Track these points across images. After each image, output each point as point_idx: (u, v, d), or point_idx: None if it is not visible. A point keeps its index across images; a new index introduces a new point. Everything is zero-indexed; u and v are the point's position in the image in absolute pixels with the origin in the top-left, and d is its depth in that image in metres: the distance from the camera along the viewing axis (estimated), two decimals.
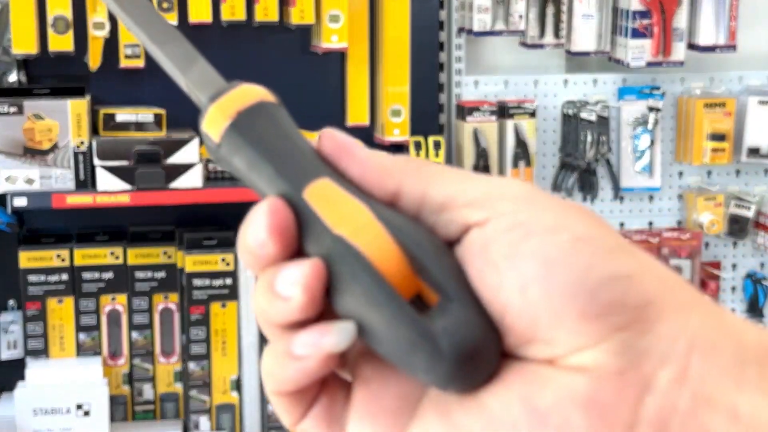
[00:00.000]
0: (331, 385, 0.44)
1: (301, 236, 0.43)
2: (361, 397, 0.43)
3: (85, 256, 2.63)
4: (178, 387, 2.69)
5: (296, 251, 0.43)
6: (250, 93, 0.46)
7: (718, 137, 2.88)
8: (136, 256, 2.65)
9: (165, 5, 2.52)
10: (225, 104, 0.45)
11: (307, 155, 0.45)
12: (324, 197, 0.43)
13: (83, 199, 2.48)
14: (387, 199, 0.43)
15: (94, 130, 2.57)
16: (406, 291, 0.41)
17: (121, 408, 2.68)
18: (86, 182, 2.51)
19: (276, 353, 0.42)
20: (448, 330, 0.40)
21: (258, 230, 0.43)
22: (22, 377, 2.62)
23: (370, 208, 0.42)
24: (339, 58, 2.76)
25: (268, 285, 0.42)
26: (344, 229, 0.42)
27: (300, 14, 2.59)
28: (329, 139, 0.45)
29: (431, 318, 0.40)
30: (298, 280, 0.41)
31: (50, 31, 2.49)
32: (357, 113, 2.76)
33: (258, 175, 0.45)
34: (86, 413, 2.56)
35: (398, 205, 0.43)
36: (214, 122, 0.46)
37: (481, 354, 0.40)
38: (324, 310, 0.43)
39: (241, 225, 0.46)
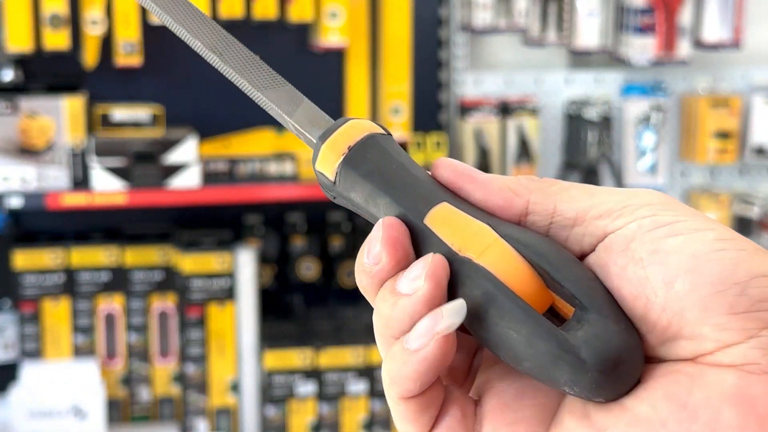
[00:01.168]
0: (459, 398, 0.44)
1: None
2: (495, 409, 0.44)
3: (81, 256, 2.60)
4: (176, 389, 2.67)
5: None
6: (359, 127, 0.47)
7: (723, 136, 2.85)
8: (132, 256, 2.62)
9: None
10: (335, 141, 0.46)
11: (424, 183, 0.45)
12: (446, 221, 0.44)
13: (79, 199, 2.45)
14: (514, 220, 0.44)
15: (90, 129, 2.55)
16: (540, 305, 0.42)
17: (117, 410, 2.66)
18: (82, 181, 2.48)
19: (395, 356, 0.43)
20: (589, 340, 0.40)
21: (372, 245, 0.44)
22: (17, 379, 2.60)
23: (494, 228, 0.43)
24: (338, 55, 2.74)
25: (390, 291, 0.43)
26: (471, 251, 0.42)
27: (299, 11, 2.56)
28: (446, 167, 0.46)
29: (570, 330, 0.41)
30: (420, 272, 0.42)
31: (46, 29, 2.46)
32: (357, 112, 2.73)
33: (376, 207, 0.46)
34: (82, 415, 2.53)
35: (526, 224, 0.44)
36: (327, 160, 0.47)
37: (624, 361, 0.40)
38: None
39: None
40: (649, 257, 0.40)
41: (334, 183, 0.46)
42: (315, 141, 0.47)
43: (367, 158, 0.46)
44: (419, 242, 0.44)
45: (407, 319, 0.43)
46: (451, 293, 0.43)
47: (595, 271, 0.42)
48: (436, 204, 0.44)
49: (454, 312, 0.41)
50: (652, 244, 0.40)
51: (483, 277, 0.42)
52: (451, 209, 0.44)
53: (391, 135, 0.47)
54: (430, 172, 0.46)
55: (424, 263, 0.42)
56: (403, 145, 2.71)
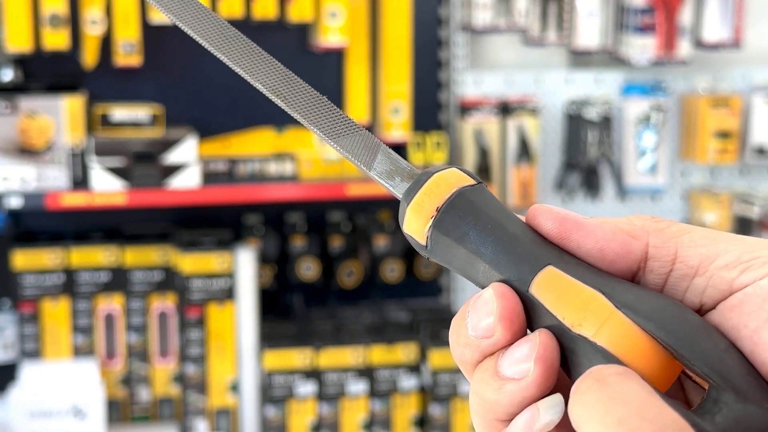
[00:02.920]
0: None
1: (532, 329, 0.40)
2: None
3: (81, 256, 2.60)
4: (176, 389, 2.67)
5: None
6: (445, 183, 0.43)
7: (724, 136, 2.84)
8: (132, 256, 2.62)
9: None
10: (421, 203, 0.43)
11: (524, 241, 0.41)
12: (553, 289, 0.40)
13: (79, 199, 2.45)
14: (632, 268, 0.40)
15: (89, 129, 2.54)
16: (667, 379, 0.38)
17: (117, 410, 2.65)
18: (82, 181, 2.48)
19: None
20: (729, 427, 0.36)
21: (484, 316, 0.40)
22: (16, 379, 2.60)
23: (609, 297, 0.39)
24: (338, 55, 2.73)
25: (492, 373, 0.40)
26: (585, 328, 0.39)
27: (299, 11, 2.56)
28: (547, 217, 0.42)
29: (705, 414, 0.37)
30: (528, 354, 0.39)
31: (45, 29, 2.46)
32: (357, 111, 2.73)
33: (474, 271, 0.42)
34: (82, 416, 2.53)
35: (644, 272, 0.40)
36: (415, 224, 0.43)
37: None
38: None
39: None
40: None
41: (426, 248, 0.43)
42: (399, 196, 0.43)
43: (459, 220, 0.42)
44: (525, 312, 0.40)
45: (516, 406, 0.39)
46: (565, 373, 0.40)
47: (722, 331, 0.39)
48: (541, 268, 0.40)
49: (552, 409, 0.38)
50: None
51: (603, 360, 0.38)
52: (558, 274, 0.40)
53: (481, 183, 0.43)
54: (524, 219, 0.42)
55: (531, 344, 0.39)
56: (402, 146, 2.71)
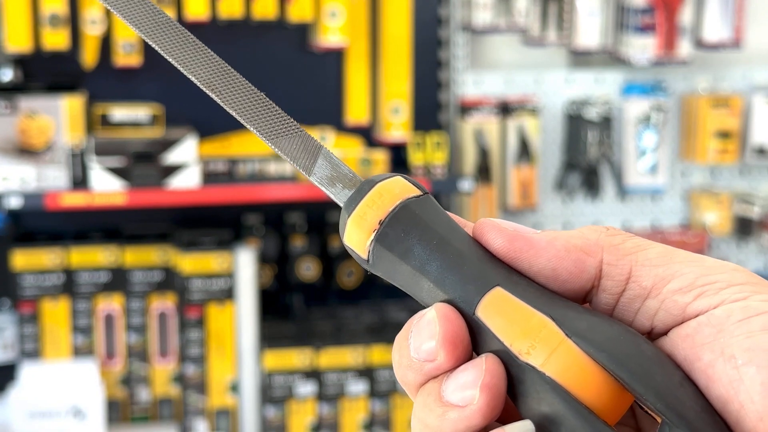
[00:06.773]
0: None
1: (477, 353, 0.38)
2: None
3: (81, 256, 2.60)
4: (175, 389, 2.66)
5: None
6: (389, 194, 0.40)
7: (724, 136, 2.84)
8: (132, 256, 2.62)
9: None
10: (363, 215, 0.40)
11: (471, 260, 0.39)
12: (502, 313, 0.38)
13: (78, 199, 2.45)
14: (586, 287, 0.38)
15: (89, 129, 2.54)
16: (616, 412, 0.37)
17: (116, 411, 2.65)
18: (81, 181, 2.48)
19: None
20: None
21: (426, 339, 0.38)
22: (16, 379, 2.59)
23: (559, 324, 0.37)
24: (338, 55, 2.73)
25: (435, 398, 0.38)
26: (534, 357, 0.37)
27: (299, 11, 2.56)
28: (495, 233, 0.39)
29: None
30: (474, 381, 0.37)
31: (45, 29, 2.46)
32: (357, 111, 2.73)
33: (418, 289, 0.39)
34: (81, 416, 2.53)
35: (597, 290, 0.38)
36: (356, 237, 0.40)
37: None
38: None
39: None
40: (744, 355, 0.35)
41: (368, 262, 0.41)
42: (341, 204, 0.41)
43: (403, 235, 0.39)
44: (470, 334, 0.38)
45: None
46: (509, 401, 0.38)
47: (674, 360, 0.37)
48: (489, 289, 0.38)
49: None
50: (747, 340, 0.35)
51: (551, 391, 0.36)
52: (507, 296, 0.38)
53: (427, 194, 0.41)
54: (470, 232, 0.40)
55: (477, 369, 0.37)
56: (401, 146, 2.71)
